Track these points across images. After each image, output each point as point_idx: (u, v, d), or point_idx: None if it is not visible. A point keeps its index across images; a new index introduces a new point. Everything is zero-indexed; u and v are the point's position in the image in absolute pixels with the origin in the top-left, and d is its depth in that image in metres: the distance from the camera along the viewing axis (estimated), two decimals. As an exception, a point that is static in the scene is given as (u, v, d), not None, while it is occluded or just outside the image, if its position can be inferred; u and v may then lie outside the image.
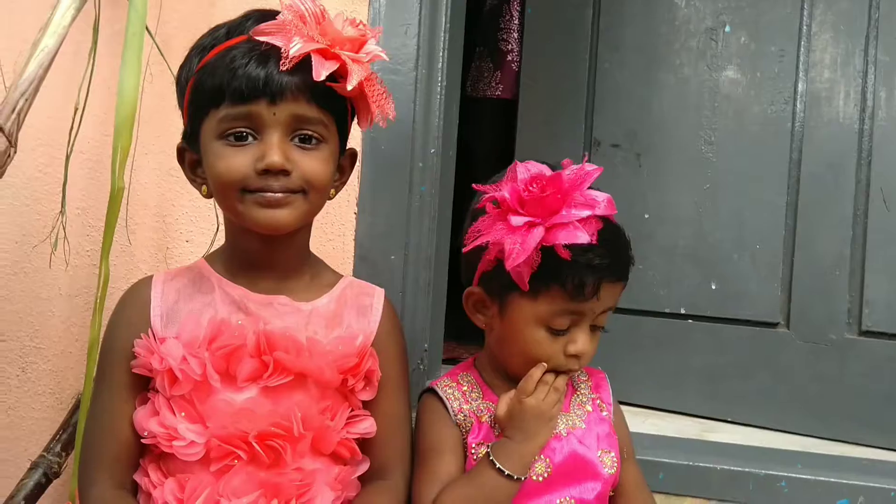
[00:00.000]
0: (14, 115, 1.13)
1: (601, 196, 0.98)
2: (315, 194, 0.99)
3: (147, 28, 1.21)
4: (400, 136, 1.34)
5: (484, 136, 2.38)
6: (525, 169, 0.99)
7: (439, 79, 1.38)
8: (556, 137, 1.77)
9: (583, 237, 0.94)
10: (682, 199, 1.63)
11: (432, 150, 1.38)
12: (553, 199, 0.95)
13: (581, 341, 1.01)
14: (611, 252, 0.99)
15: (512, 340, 1.03)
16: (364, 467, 1.06)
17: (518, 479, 0.97)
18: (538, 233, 0.94)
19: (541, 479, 1.01)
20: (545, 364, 1.01)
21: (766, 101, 1.57)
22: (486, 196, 1.00)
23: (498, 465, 0.97)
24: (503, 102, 2.34)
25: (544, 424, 1.00)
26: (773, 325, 1.55)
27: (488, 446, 1.00)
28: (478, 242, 0.99)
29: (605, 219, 0.99)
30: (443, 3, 1.37)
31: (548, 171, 0.98)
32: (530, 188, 0.96)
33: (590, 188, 1.00)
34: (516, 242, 0.95)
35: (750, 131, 1.58)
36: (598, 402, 1.12)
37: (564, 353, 1.01)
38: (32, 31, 1.16)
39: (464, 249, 1.03)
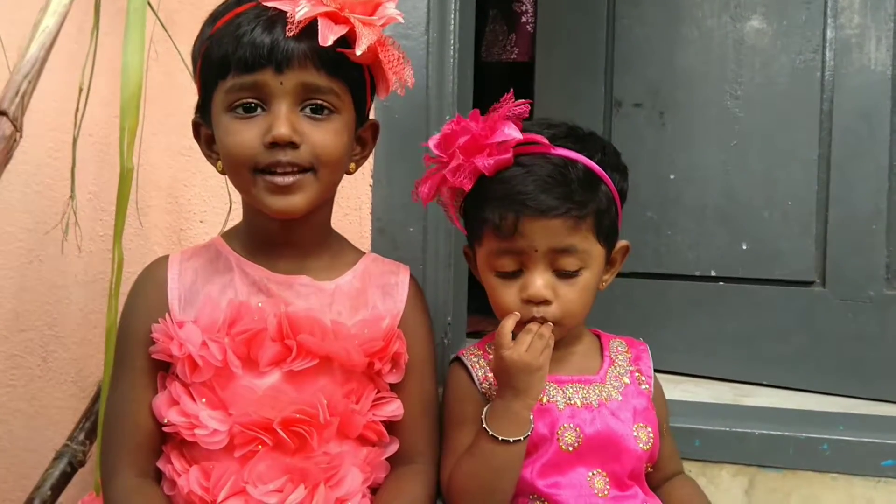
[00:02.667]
0: (18, 99, 1.10)
1: (505, 124, 0.95)
2: (326, 171, 0.95)
3: (149, 4, 1.18)
4: (413, 103, 1.30)
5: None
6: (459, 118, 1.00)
7: (451, 42, 1.33)
8: (575, 99, 1.71)
9: (459, 161, 0.96)
10: (709, 157, 1.57)
11: (447, 118, 1.34)
12: (453, 134, 0.97)
13: (532, 285, 0.96)
14: (533, 185, 0.95)
15: (486, 291, 1.03)
16: (393, 448, 1.03)
17: (515, 441, 0.93)
18: (440, 171, 0.98)
19: (571, 448, 0.98)
20: (517, 314, 0.97)
21: (794, 51, 1.50)
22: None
23: (490, 432, 0.93)
24: (520, 66, 2.28)
25: (531, 375, 0.94)
26: (808, 283, 1.49)
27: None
28: (413, 194, 1.04)
29: (551, 157, 0.96)
30: (452, -38, 1.32)
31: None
32: (446, 130, 0.97)
33: (583, 138, 1.01)
34: (425, 183, 1.00)
35: (778, 83, 1.52)
36: (637, 374, 1.07)
37: (521, 300, 0.97)
38: (35, 14, 1.13)
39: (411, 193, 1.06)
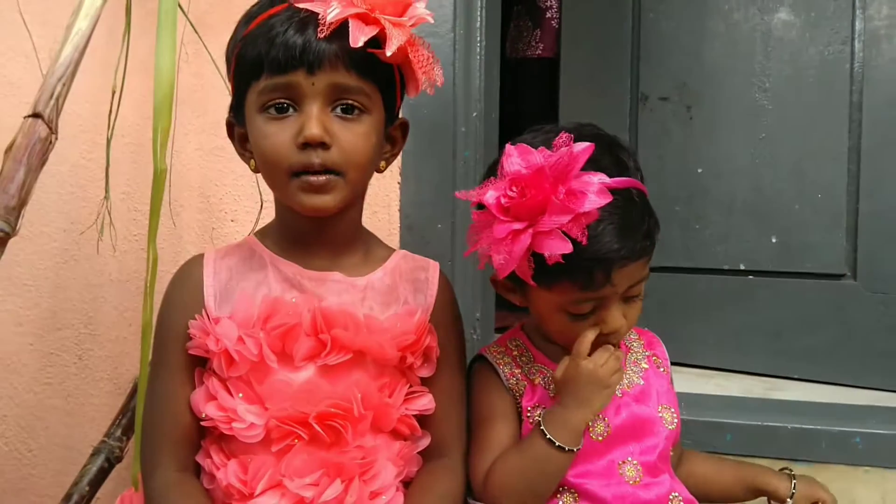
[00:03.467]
0: (52, 101, 1.12)
1: (593, 185, 0.87)
2: (355, 172, 0.96)
3: (180, 5, 1.19)
4: (441, 100, 1.31)
5: (529, 99, 2.32)
6: (510, 162, 0.89)
7: (478, 39, 1.34)
8: (600, 94, 1.71)
9: (563, 247, 0.85)
10: (737, 150, 1.56)
11: (474, 114, 1.34)
12: (534, 202, 0.87)
13: (611, 321, 0.95)
14: (619, 237, 0.90)
15: (543, 322, 1.01)
16: (425, 442, 1.03)
17: (570, 450, 0.93)
18: (525, 240, 0.87)
19: (600, 438, 0.98)
20: (598, 327, 0.95)
21: (822, 43, 1.49)
22: (471, 196, 0.92)
23: (548, 436, 0.93)
24: (544, 61, 2.28)
25: (600, 391, 0.94)
26: (839, 276, 1.49)
27: (542, 410, 0.97)
28: (473, 249, 0.93)
29: (616, 192, 0.89)
30: (478, -39, 1.33)
31: (538, 159, 0.88)
32: (509, 192, 0.88)
33: (618, 154, 0.94)
34: (502, 253, 0.88)
35: (806, 75, 1.51)
36: (654, 358, 1.08)
37: (600, 334, 0.95)
38: (64, 18, 1.15)
39: (464, 254, 0.98)
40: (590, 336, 0.95)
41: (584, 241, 0.86)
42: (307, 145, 0.92)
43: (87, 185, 1.36)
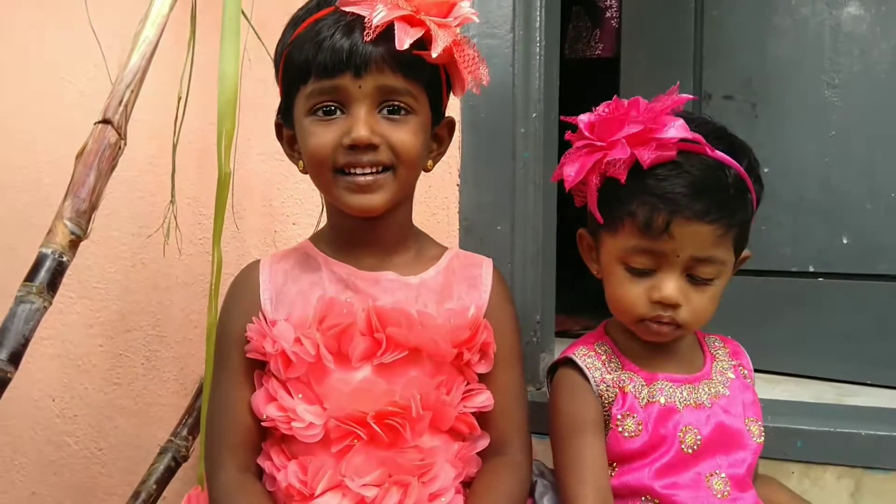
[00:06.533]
0: (121, 108, 1.16)
1: (674, 120, 0.90)
2: (405, 168, 0.97)
3: (243, 12, 1.21)
4: (499, 101, 1.30)
5: (589, 100, 2.30)
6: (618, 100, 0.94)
7: (537, 39, 1.33)
8: (662, 92, 1.68)
9: (622, 152, 0.88)
10: (805, 148, 1.52)
11: (534, 115, 1.33)
12: (616, 120, 0.90)
13: (666, 287, 0.93)
14: (690, 187, 0.90)
15: (606, 283, 0.99)
16: (484, 443, 1.03)
17: None
18: (596, 154, 0.91)
19: (690, 450, 0.96)
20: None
21: (894, 38, 1.44)
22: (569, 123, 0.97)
23: None
24: (603, 61, 2.25)
25: None
26: (914, 278, 1.43)
27: (632, 419, 0.96)
28: (557, 173, 0.96)
29: (708, 160, 0.91)
30: (538, -39, 1.32)
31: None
32: (602, 111, 0.92)
33: (731, 140, 0.95)
34: (573, 164, 0.92)
35: (877, 70, 1.45)
36: (740, 368, 1.05)
37: (649, 299, 0.94)
38: (131, 26, 1.18)
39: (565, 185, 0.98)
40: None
41: (647, 166, 0.89)
42: (354, 147, 0.94)
43: (154, 190, 1.40)
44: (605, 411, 0.99)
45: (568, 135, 0.98)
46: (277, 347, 0.96)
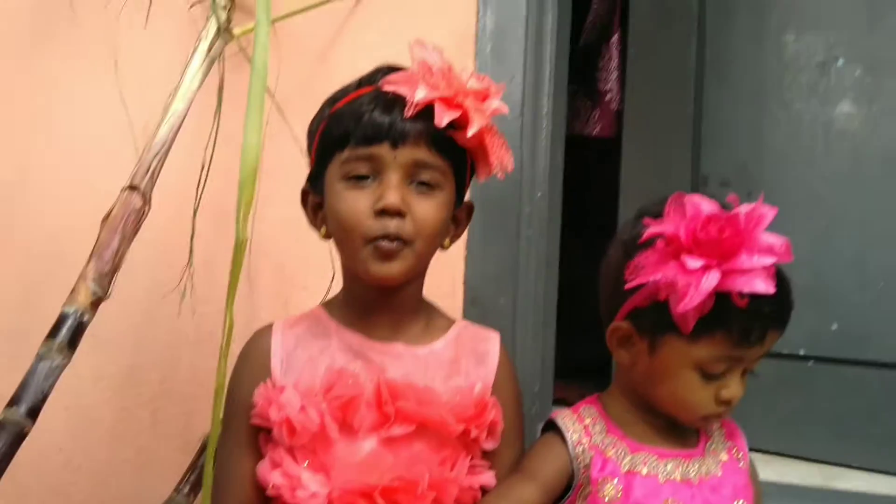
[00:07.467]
0: (148, 176, 1.22)
1: (778, 241, 0.93)
2: (422, 243, 1.00)
3: (268, 88, 1.28)
4: (507, 180, 1.34)
5: (585, 177, 2.36)
6: (694, 205, 0.93)
7: (544, 124, 1.41)
8: (662, 176, 1.75)
9: (763, 286, 0.88)
10: (798, 237, 1.52)
11: (539, 194, 1.40)
12: (731, 242, 0.90)
13: (734, 386, 0.97)
14: (780, 299, 0.93)
15: (661, 381, 0.99)
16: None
17: None
18: (713, 277, 0.89)
19: None
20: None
21: (885, 136, 1.51)
22: (652, 230, 0.93)
23: None
24: (602, 141, 2.32)
25: None
26: (901, 366, 1.47)
27: (613, 484, 0.98)
28: (642, 279, 0.93)
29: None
30: (546, 51, 1.40)
31: (716, 208, 0.93)
32: (707, 228, 0.90)
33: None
34: (690, 285, 0.89)
35: (868, 167, 1.52)
36: (735, 450, 1.07)
37: (716, 399, 0.97)
38: (159, 94, 1.24)
39: (626, 286, 0.96)
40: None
41: (773, 291, 0.89)
42: (384, 213, 0.97)
43: (172, 251, 1.44)
44: (583, 474, 1.00)
45: (658, 241, 0.94)
46: (282, 414, 0.97)
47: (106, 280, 1.15)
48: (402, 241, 0.98)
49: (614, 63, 2.31)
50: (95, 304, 1.14)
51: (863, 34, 1.55)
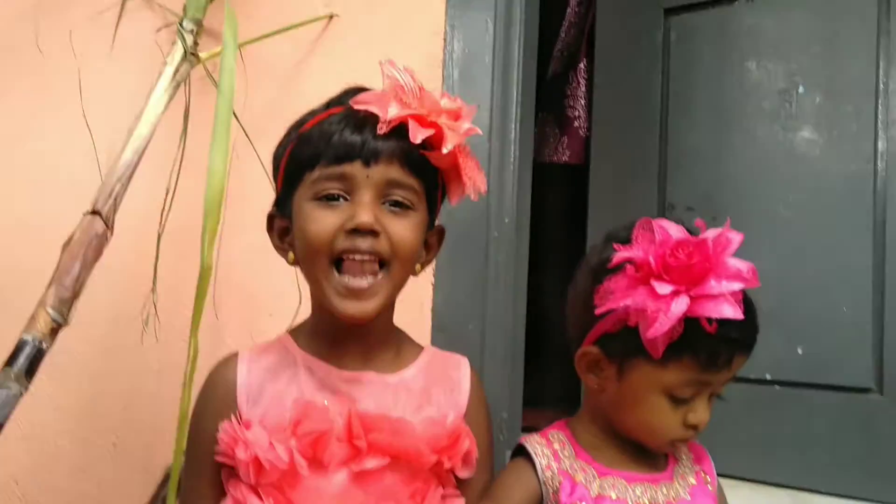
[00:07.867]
0: (111, 200, 1.20)
1: (745, 266, 0.94)
2: (399, 266, 0.98)
3: (234, 113, 1.27)
4: (475, 206, 1.36)
5: (551, 203, 2.37)
6: (662, 230, 0.93)
7: (512, 150, 1.41)
8: (628, 201, 1.76)
9: (731, 312, 0.89)
10: (763, 262, 1.54)
11: (506, 220, 1.40)
12: (699, 267, 0.90)
13: (702, 411, 0.98)
14: (747, 324, 0.94)
15: (629, 406, 0.99)
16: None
17: None
18: (683, 302, 0.89)
19: None
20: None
21: (845, 161, 1.54)
22: (621, 255, 0.94)
23: None
24: (570, 167, 2.33)
25: None
26: (865, 390, 1.48)
27: None
28: (612, 305, 0.93)
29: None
30: (514, 78, 1.41)
31: (683, 233, 0.94)
32: (676, 254, 0.91)
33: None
34: (659, 311, 0.89)
35: (830, 192, 1.55)
36: (702, 474, 1.07)
37: (684, 424, 0.98)
38: (125, 119, 1.22)
39: (596, 311, 0.96)
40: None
41: (742, 317, 0.89)
42: (356, 231, 0.94)
43: (135, 277, 1.42)
44: (553, 499, 0.99)
45: (628, 266, 0.94)
46: (250, 453, 0.94)
47: (66, 307, 1.13)
48: (379, 259, 0.96)
49: (582, 90, 2.34)
50: (55, 331, 1.11)
51: (823, 62, 1.58)
